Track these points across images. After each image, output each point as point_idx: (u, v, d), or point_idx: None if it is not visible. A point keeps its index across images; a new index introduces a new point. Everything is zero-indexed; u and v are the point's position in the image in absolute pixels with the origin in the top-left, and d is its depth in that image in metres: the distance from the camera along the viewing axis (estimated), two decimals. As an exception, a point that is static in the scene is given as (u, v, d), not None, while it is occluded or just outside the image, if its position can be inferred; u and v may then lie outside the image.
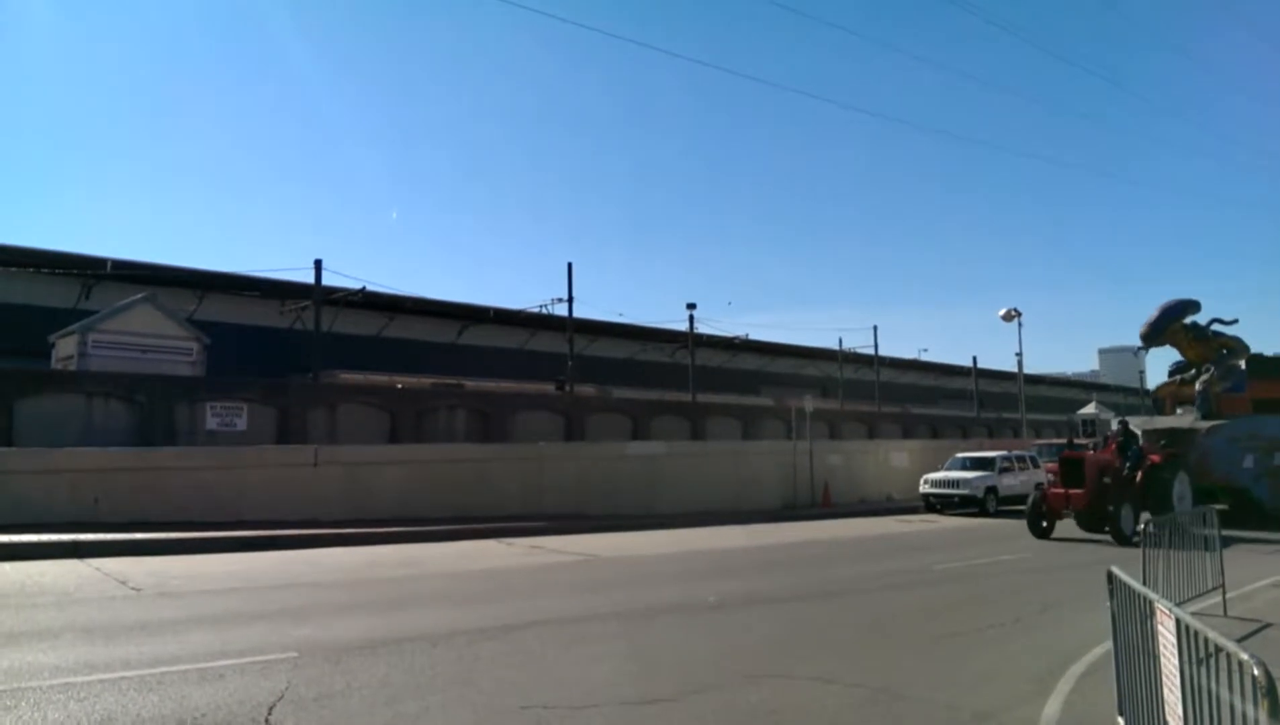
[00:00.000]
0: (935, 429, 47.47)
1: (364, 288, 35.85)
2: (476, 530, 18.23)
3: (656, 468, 24.80)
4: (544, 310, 39.66)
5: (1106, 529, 17.85)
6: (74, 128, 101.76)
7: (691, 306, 43.61)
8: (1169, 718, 4.07)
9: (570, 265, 37.80)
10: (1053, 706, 6.11)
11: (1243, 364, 23.50)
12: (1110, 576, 5.36)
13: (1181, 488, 18.98)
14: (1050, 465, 28.45)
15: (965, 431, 47.21)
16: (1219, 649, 3.44)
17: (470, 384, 36.53)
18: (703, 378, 45.89)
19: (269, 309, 38.59)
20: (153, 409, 25.48)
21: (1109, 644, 5.46)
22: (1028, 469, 27.17)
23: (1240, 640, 7.13)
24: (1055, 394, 75.10)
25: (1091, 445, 21.27)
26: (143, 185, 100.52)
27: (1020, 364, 44.11)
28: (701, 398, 42.62)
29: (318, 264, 32.35)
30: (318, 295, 32.66)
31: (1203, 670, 3.65)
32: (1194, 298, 23.51)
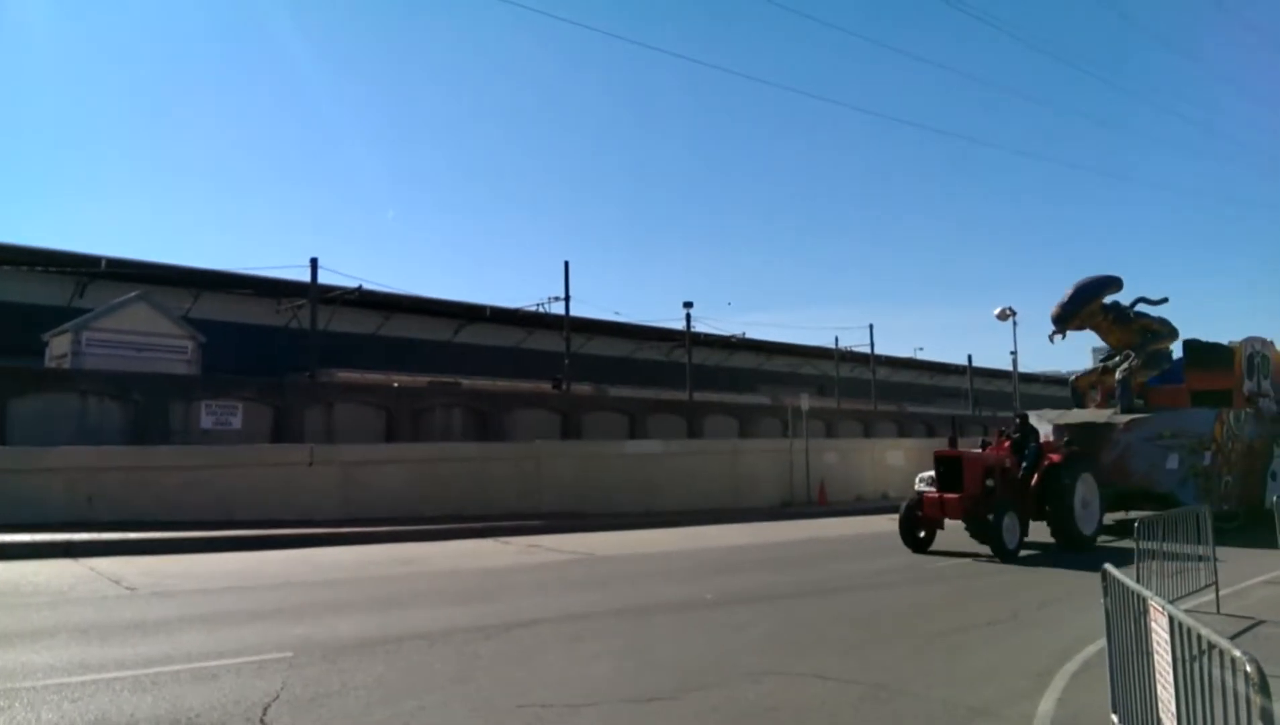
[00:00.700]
0: (931, 428, 47.53)
1: (360, 286, 35.80)
2: (473, 529, 18.22)
3: (653, 466, 24.80)
4: (541, 309, 39.65)
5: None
6: (69, 126, 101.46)
7: (688, 305, 43.62)
8: (1163, 714, 4.08)
9: (567, 264, 37.88)
10: (1048, 703, 6.13)
11: (1173, 349, 21.02)
12: (1104, 574, 5.37)
13: (1086, 492, 16.23)
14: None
15: (961, 430, 47.24)
16: (1212, 646, 3.45)
17: (467, 382, 36.51)
18: (700, 376, 45.91)
19: (265, 307, 38.52)
20: (147, 408, 25.42)
21: (1103, 641, 5.48)
22: (1023, 467, 27.21)
23: (1233, 637, 7.16)
24: (1050, 393, 75.16)
25: (982, 442, 18.29)
26: (138, 183, 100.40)
27: (1015, 362, 44.25)
28: (698, 396, 42.64)
29: (314, 262, 32.30)
30: (314, 293, 32.61)
31: (1196, 667, 3.66)
32: (1115, 275, 20.22)
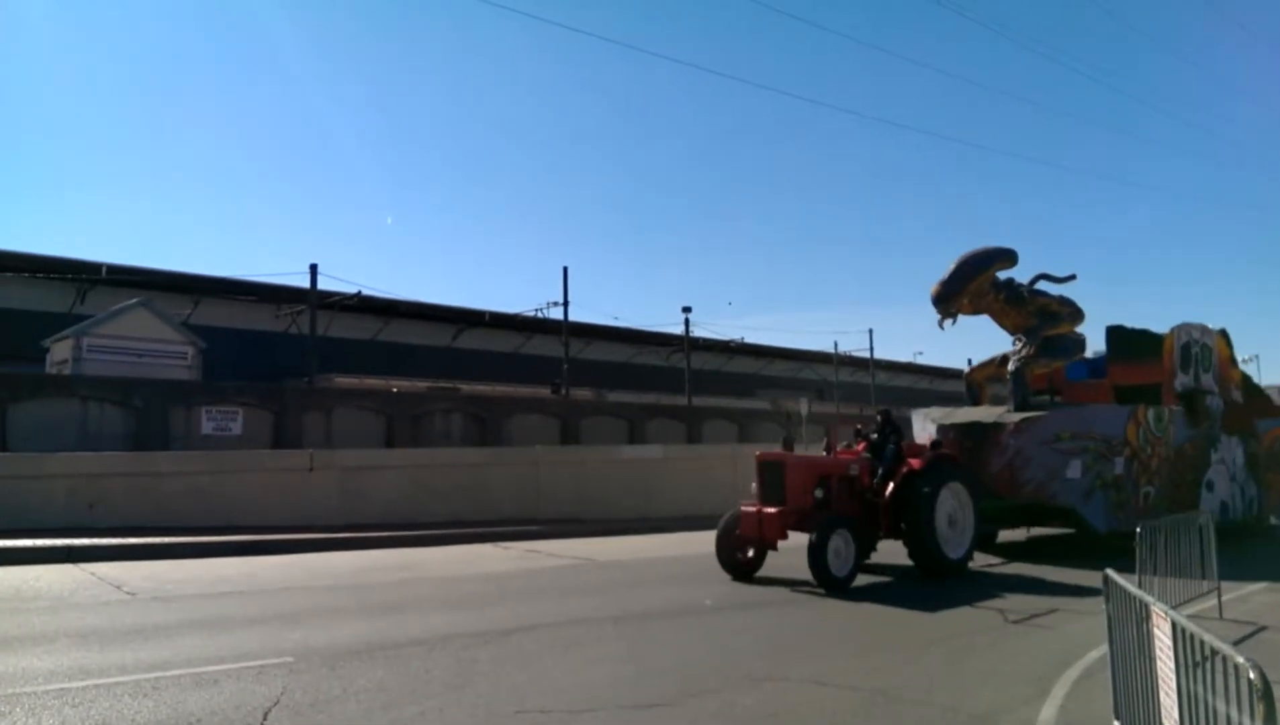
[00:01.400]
0: (931, 432, 47.55)
1: (359, 292, 35.88)
2: (472, 534, 18.20)
3: (653, 471, 24.77)
4: (539, 314, 39.71)
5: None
6: (69, 133, 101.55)
7: (687, 310, 43.72)
8: (1165, 721, 4.08)
9: (566, 269, 37.98)
10: (1049, 710, 6.12)
11: (1083, 336, 17.64)
12: (1106, 579, 5.36)
13: (955, 506, 13.23)
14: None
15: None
16: (1215, 652, 3.45)
17: (466, 387, 36.52)
18: (698, 381, 45.92)
19: (264, 313, 38.58)
20: (148, 413, 25.43)
21: (1105, 647, 5.47)
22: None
23: (1236, 643, 7.15)
24: (1050, 397, 75.22)
25: (825, 445, 14.61)
26: (138, 190, 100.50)
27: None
28: (697, 401, 42.65)
29: (313, 268, 32.36)
30: (313, 299, 32.64)
31: (1199, 673, 3.66)
32: (1007, 247, 16.68)
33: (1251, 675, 3.03)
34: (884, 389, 56.60)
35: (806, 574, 11.49)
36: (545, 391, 39.71)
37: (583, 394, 40.54)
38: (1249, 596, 10.98)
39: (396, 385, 34.60)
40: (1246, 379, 20.30)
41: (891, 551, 13.25)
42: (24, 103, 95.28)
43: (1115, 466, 15.22)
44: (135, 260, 38.54)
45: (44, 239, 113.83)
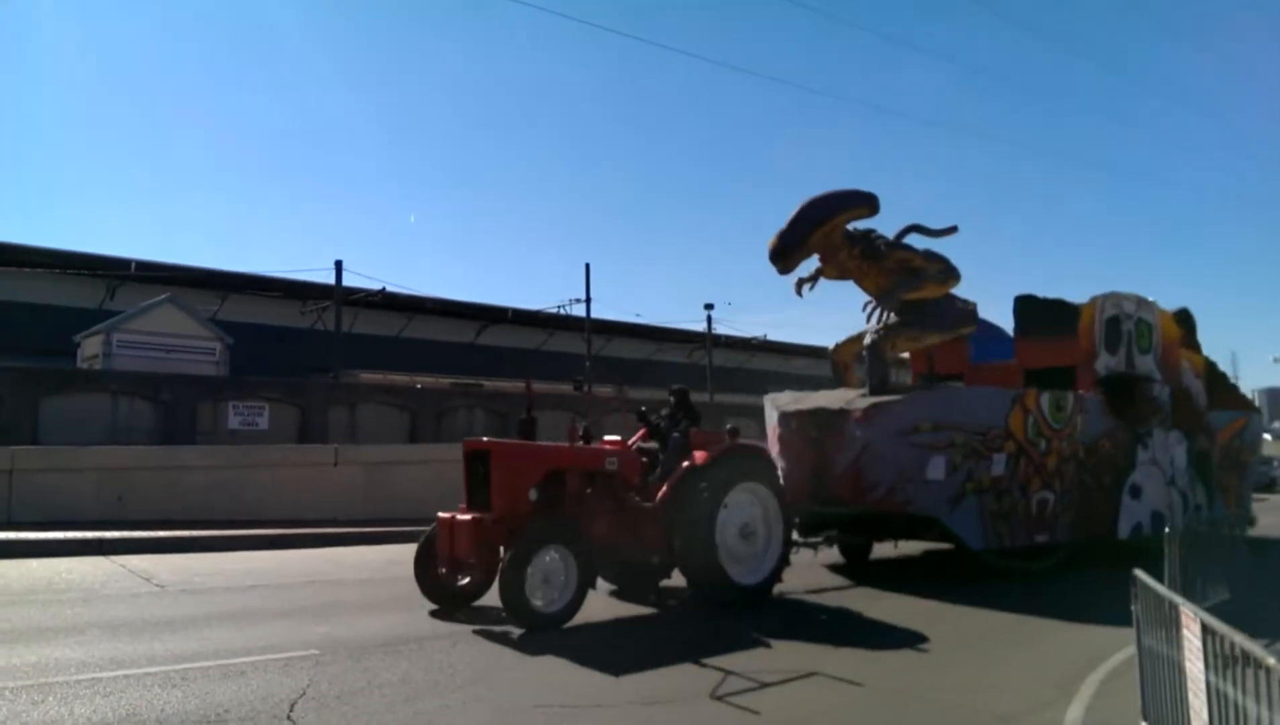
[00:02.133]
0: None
1: (384, 288, 36.09)
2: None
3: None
4: (562, 310, 39.78)
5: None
6: (98, 131, 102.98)
7: (709, 307, 43.63)
8: (1194, 722, 4.03)
9: (588, 266, 37.95)
10: (1076, 710, 6.07)
11: (970, 304, 14.27)
12: (1134, 579, 5.31)
13: (753, 514, 10.34)
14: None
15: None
16: (1245, 653, 3.41)
17: (489, 384, 36.68)
18: (720, 378, 45.85)
19: (290, 309, 38.91)
20: (176, 408, 25.77)
21: (1133, 648, 5.42)
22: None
23: (1268, 645, 7.04)
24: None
25: (583, 430, 10.69)
26: (166, 187, 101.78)
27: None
28: (719, 398, 42.59)
29: (338, 265, 32.61)
30: (338, 296, 32.92)
31: (1228, 675, 3.61)
32: (865, 190, 13.16)
33: (1283, 677, 2.99)
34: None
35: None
36: (568, 388, 39.82)
37: (605, 391, 40.60)
38: (1280, 598, 10.80)
39: (420, 381, 34.82)
40: (1211, 367, 17.43)
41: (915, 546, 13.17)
42: (54, 102, 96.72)
43: (994, 466, 12.07)
44: (163, 257, 39.02)
45: (74, 236, 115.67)
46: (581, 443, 10.33)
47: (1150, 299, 15.27)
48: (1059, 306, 14.58)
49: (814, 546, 12.00)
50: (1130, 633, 5.54)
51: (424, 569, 9.41)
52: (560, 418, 34.91)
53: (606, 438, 11.14)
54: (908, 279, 13.33)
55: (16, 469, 17.21)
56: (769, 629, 8.79)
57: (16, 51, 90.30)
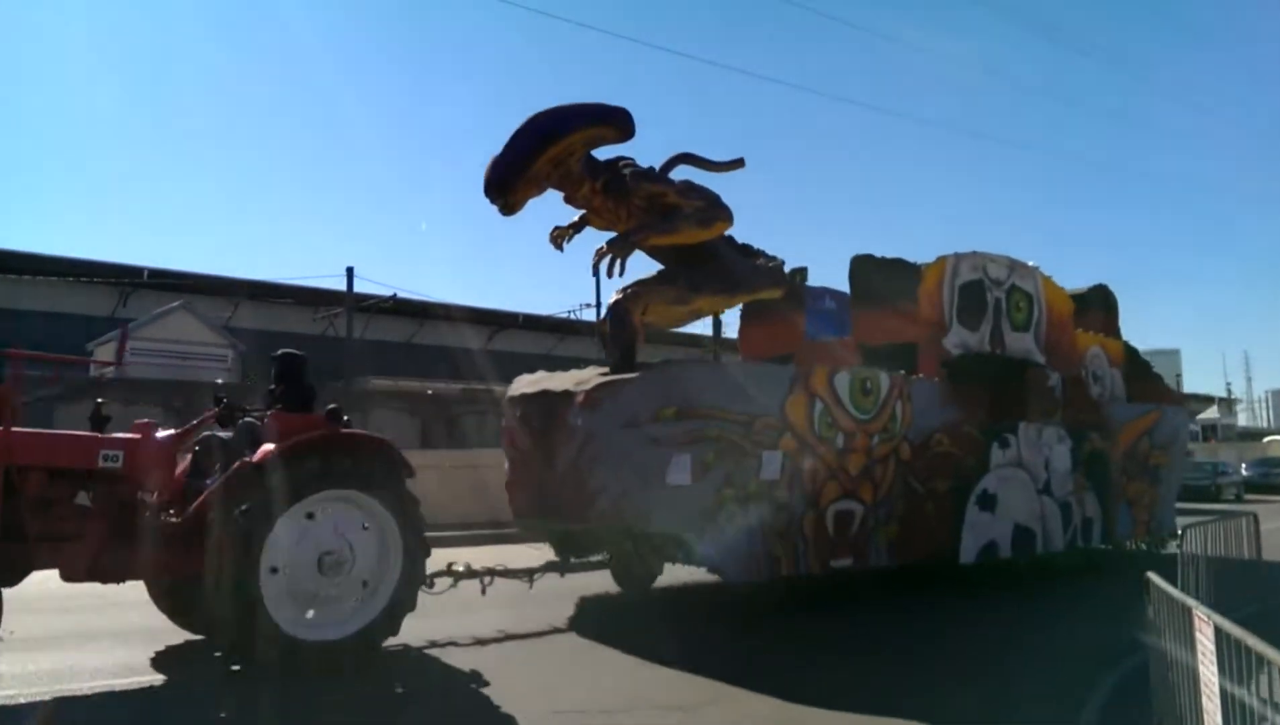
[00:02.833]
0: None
1: (395, 294, 36.24)
2: (508, 535, 18.29)
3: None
4: (572, 316, 39.85)
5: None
6: (110, 137, 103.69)
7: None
8: (1208, 727, 4.00)
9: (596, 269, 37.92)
10: (1090, 714, 6.03)
11: (756, 252, 11.27)
12: (1146, 582, 5.28)
13: (344, 538, 7.01)
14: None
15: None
16: (1261, 657, 3.38)
17: (501, 389, 36.73)
18: (731, 382, 45.76)
19: (302, 316, 39.10)
20: (189, 415, 25.83)
21: (1146, 651, 5.38)
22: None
23: (1282, 648, 6.98)
24: (1090, 397, 74.02)
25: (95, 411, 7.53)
26: (178, 194, 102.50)
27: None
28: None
29: (349, 271, 32.76)
30: (349, 302, 33.08)
31: (1243, 679, 3.59)
32: (618, 106, 9.66)
33: (1298, 681, 2.96)
34: (919, 389, 55.98)
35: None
36: (578, 393, 39.91)
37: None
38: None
39: (431, 387, 34.91)
40: (1132, 355, 15.12)
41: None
42: (65, 109, 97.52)
43: (764, 467, 9.09)
44: (175, 265, 39.33)
45: (86, 243, 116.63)
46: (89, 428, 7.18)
47: (1032, 264, 12.74)
48: (898, 268, 11.67)
49: (528, 576, 9.68)
50: (1145, 635, 5.50)
51: None
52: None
53: (141, 422, 7.42)
54: (661, 222, 9.97)
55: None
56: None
57: (28, 58, 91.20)
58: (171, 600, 7.71)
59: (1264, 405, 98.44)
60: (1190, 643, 4.30)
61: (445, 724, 5.79)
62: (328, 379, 34.14)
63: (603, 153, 10.04)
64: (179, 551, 6.83)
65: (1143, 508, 14.31)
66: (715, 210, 10.24)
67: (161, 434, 7.41)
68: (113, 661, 7.24)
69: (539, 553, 10.75)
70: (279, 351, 8.24)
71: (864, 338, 11.78)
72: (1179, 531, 13.63)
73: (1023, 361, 12.41)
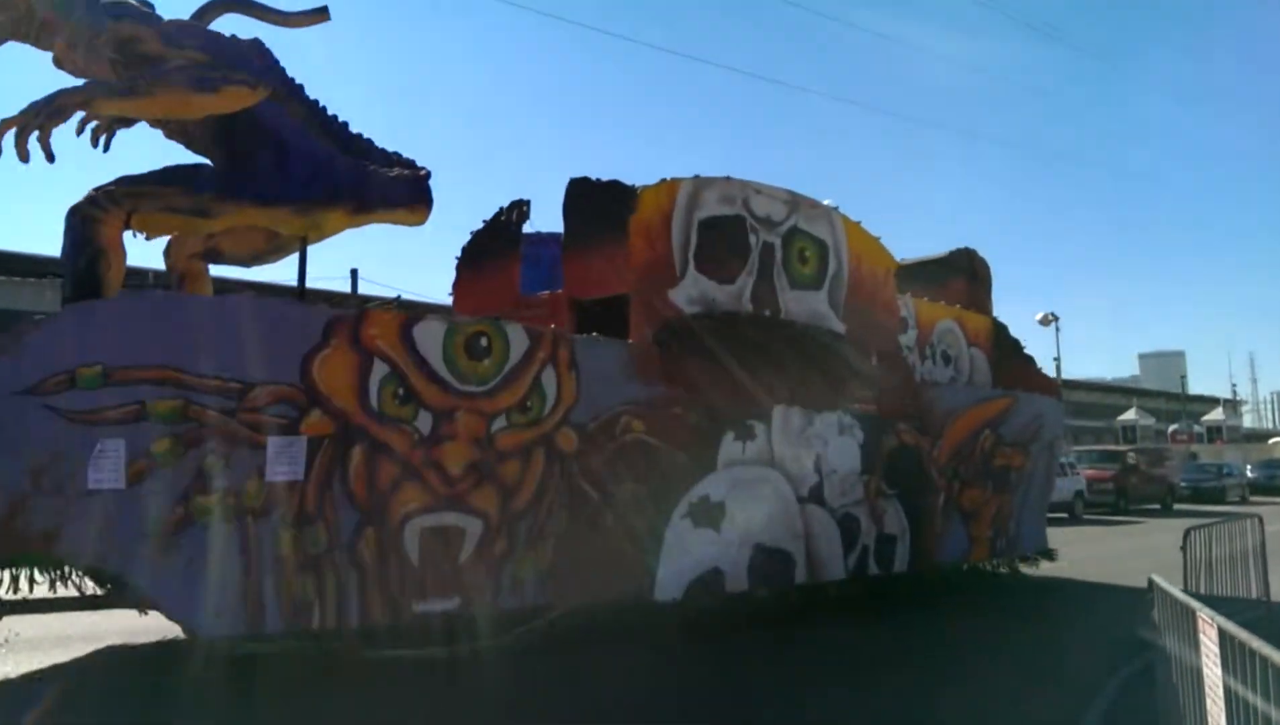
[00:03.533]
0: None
1: (399, 297, 36.19)
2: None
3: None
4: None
5: None
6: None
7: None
8: (1213, 730, 3.97)
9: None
10: (1093, 716, 6.01)
11: (366, 146, 8.15)
12: (1151, 584, 5.26)
13: None
14: (1089, 472, 27.92)
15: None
16: (1264, 659, 3.36)
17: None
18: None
19: (305, 318, 39.11)
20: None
21: (1150, 653, 5.36)
22: (1066, 476, 26.72)
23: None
24: (1094, 400, 73.91)
25: None
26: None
27: (1058, 369, 43.48)
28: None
29: (354, 273, 32.65)
30: (354, 304, 33.07)
31: (1247, 681, 3.57)
32: None
33: (1302, 684, 2.94)
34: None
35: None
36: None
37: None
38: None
39: (434, 388, 34.88)
40: (1000, 332, 12.72)
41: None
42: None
43: (271, 463, 6.39)
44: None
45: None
46: None
47: (828, 203, 10.36)
48: (614, 193, 8.79)
49: None
50: (1150, 637, 5.48)
51: None
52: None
53: None
54: (116, 80, 6.82)
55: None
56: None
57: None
58: None
59: (1269, 407, 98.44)
60: (1194, 645, 4.29)
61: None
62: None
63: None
64: None
65: (985, 521, 11.54)
66: (230, 72, 6.93)
67: None
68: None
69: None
70: None
71: (574, 290, 9.31)
72: (1051, 550, 12.77)
73: (806, 328, 9.49)
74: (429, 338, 6.99)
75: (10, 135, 6.27)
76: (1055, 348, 48.38)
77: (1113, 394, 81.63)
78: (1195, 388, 74.28)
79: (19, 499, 5.74)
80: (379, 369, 6.76)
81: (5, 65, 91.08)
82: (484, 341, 7.24)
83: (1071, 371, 63.72)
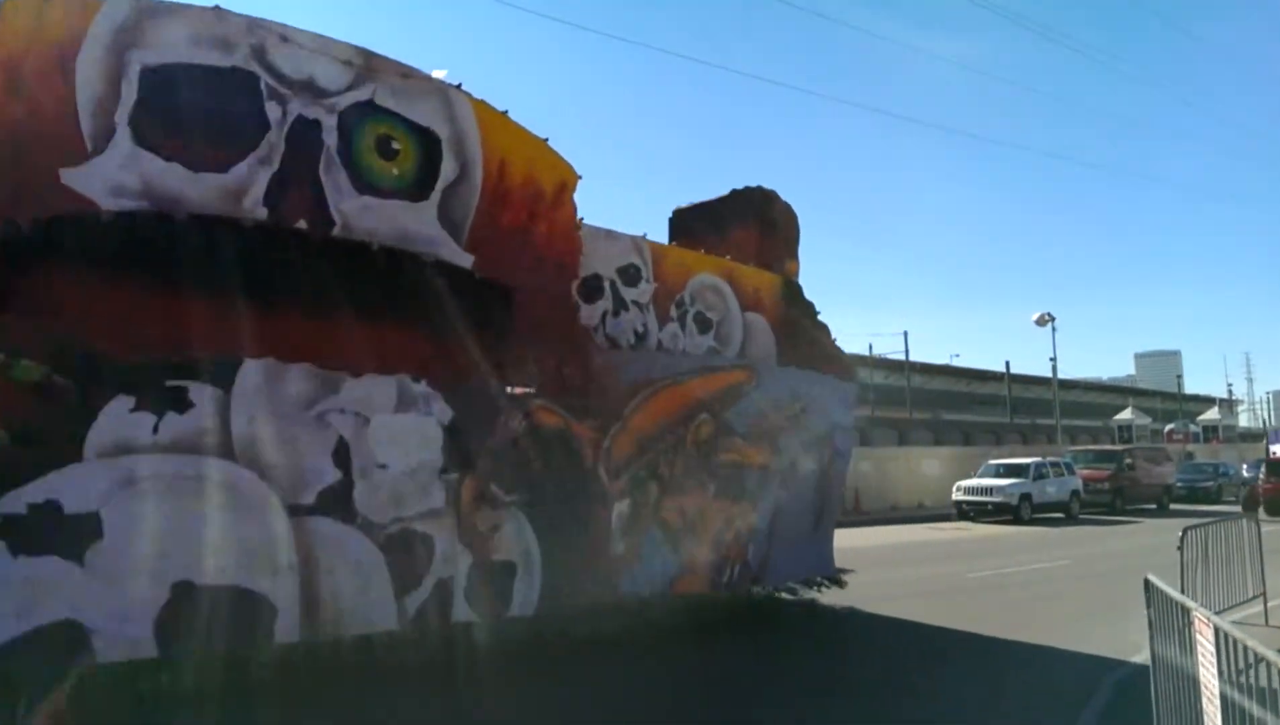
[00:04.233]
0: (967, 435, 46.97)
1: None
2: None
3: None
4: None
5: None
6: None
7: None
8: (1209, 729, 3.97)
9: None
10: (1090, 715, 6.01)
11: None
12: (1147, 584, 5.25)
13: None
14: (1085, 472, 28.01)
15: (999, 438, 46.70)
16: (1260, 658, 3.36)
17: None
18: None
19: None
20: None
21: (1147, 653, 5.35)
22: (1063, 476, 26.80)
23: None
24: (1090, 399, 74.11)
25: None
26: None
27: (1054, 369, 43.59)
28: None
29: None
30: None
31: (1242, 681, 3.57)
32: None
33: (1297, 683, 2.94)
34: (920, 392, 56.01)
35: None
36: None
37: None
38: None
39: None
40: (793, 298, 10.09)
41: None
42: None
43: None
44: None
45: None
46: None
47: (440, 74, 7.08)
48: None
49: None
50: (1145, 636, 5.48)
51: None
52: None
53: None
54: None
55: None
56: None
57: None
58: None
59: (1265, 406, 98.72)
60: (1190, 645, 4.28)
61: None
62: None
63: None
64: None
65: (704, 541, 8.65)
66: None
67: None
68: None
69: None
70: None
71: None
72: (832, 577, 10.08)
73: (390, 253, 6.53)
74: None
75: None
76: (1052, 348, 48.46)
77: (1109, 393, 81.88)
78: (1191, 387, 74.47)
79: None
80: None
81: None
82: None
83: (1068, 371, 63.84)
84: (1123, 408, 56.37)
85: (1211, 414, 62.79)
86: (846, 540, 20.00)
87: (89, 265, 5.50)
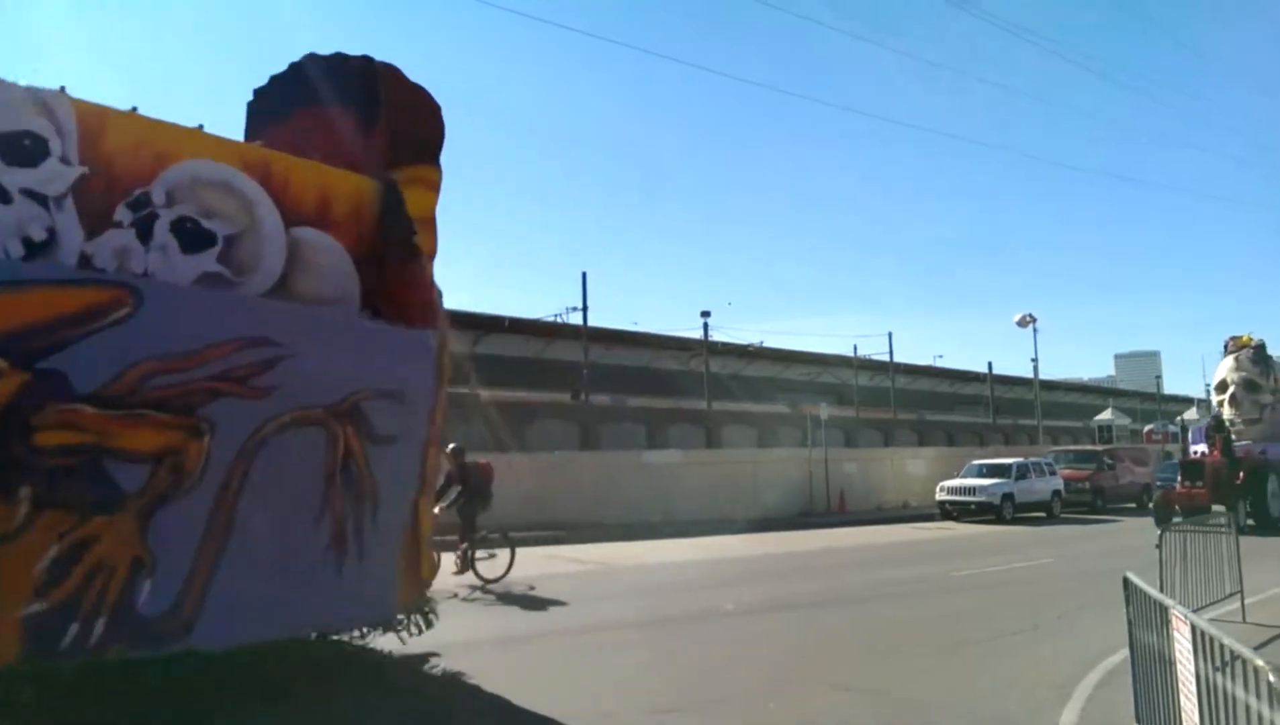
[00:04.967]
0: (951, 436, 47.33)
1: (379, 299, 36.01)
2: (491, 540, 18.29)
3: (673, 476, 24.86)
4: (559, 319, 39.84)
5: None
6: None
7: (705, 314, 43.64)
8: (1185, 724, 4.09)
9: (585, 274, 38.10)
10: (1070, 714, 6.12)
11: None
12: (1126, 583, 5.37)
13: None
14: (1066, 472, 28.25)
15: (982, 438, 47.05)
16: (1236, 656, 3.46)
17: (486, 394, 36.70)
18: (717, 385, 45.88)
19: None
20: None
21: (1126, 651, 5.48)
22: (1044, 476, 27.06)
23: (1258, 647, 7.10)
24: (1071, 400, 74.68)
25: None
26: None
27: (1036, 370, 43.93)
28: (717, 405, 42.67)
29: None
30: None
31: (1220, 677, 3.67)
32: None
33: (1272, 679, 3.05)
34: (904, 393, 56.28)
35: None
36: (565, 397, 39.82)
37: (602, 400, 40.63)
38: (1273, 599, 10.86)
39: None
40: (391, 209, 7.19)
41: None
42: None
43: None
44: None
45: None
46: None
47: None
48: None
49: None
50: (1125, 635, 5.60)
51: None
52: (561, 427, 34.94)
53: None
54: None
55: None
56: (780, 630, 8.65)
57: (27, 62, 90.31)
58: None
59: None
60: (1169, 641, 4.40)
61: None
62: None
63: None
64: None
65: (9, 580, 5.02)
66: None
67: None
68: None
69: (520, 556, 10.58)
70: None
71: None
72: (387, 623, 7.09)
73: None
74: None
75: None
76: (1033, 349, 48.78)
77: (1089, 394, 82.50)
78: (1170, 387, 75.05)
79: None
80: None
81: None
82: None
83: (1049, 373, 64.29)
84: (1103, 408, 56.85)
85: (1190, 414, 63.38)
86: (833, 540, 20.19)
87: None
